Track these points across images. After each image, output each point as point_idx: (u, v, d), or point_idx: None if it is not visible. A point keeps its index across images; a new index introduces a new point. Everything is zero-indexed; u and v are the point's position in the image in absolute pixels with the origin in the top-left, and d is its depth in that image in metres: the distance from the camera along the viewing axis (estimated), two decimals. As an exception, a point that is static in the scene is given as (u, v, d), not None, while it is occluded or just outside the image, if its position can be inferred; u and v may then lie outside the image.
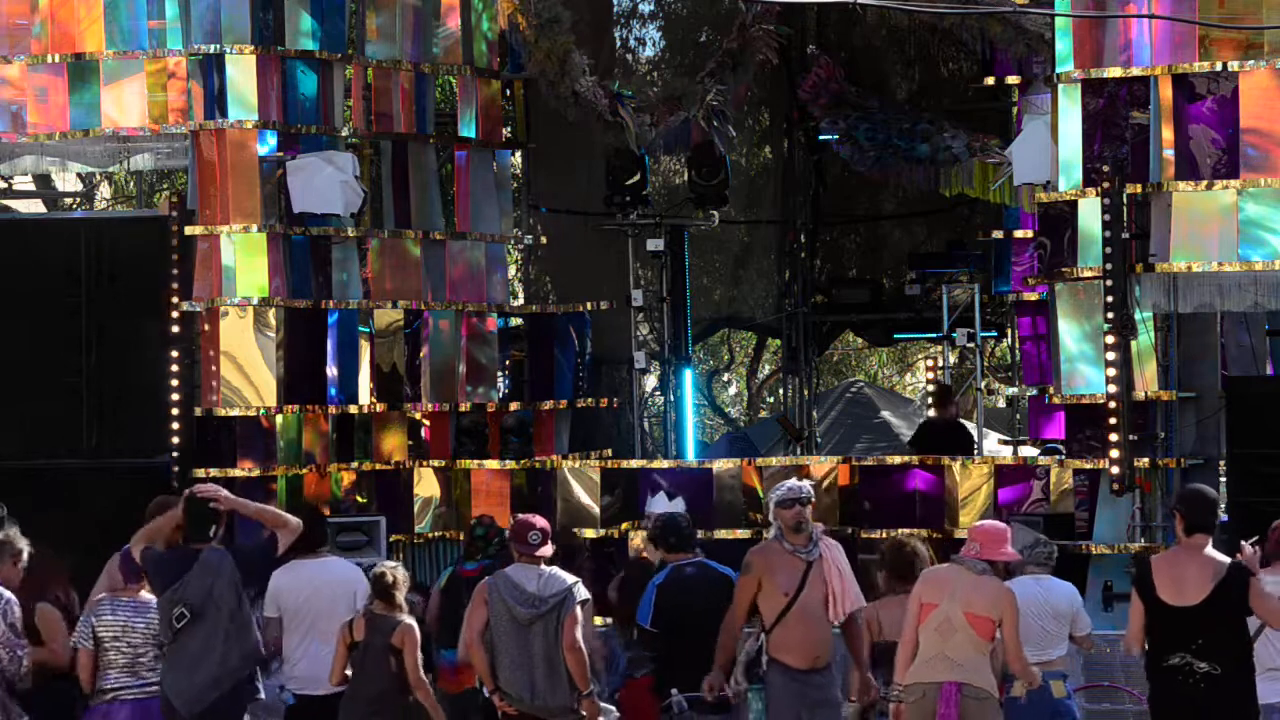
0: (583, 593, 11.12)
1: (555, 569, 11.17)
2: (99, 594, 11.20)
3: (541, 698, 10.95)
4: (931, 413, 20.41)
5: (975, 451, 18.68)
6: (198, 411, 15.31)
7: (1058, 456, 15.30)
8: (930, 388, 22.36)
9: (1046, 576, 11.46)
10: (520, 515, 11.44)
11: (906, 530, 14.69)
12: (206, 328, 15.45)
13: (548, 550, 11.15)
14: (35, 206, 27.44)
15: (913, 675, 10.32)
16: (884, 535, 15.21)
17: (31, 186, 26.68)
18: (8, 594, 10.77)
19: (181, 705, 10.52)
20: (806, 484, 11.15)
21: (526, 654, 10.92)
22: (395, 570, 11.33)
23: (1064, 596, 11.43)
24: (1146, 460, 14.21)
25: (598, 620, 13.09)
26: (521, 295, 19.63)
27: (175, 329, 15.26)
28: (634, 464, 16.64)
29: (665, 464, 16.76)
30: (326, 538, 12.57)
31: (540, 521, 11.19)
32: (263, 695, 11.21)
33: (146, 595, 10.99)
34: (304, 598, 12.05)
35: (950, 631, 10.28)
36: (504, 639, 10.98)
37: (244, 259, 15.55)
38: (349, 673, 11.26)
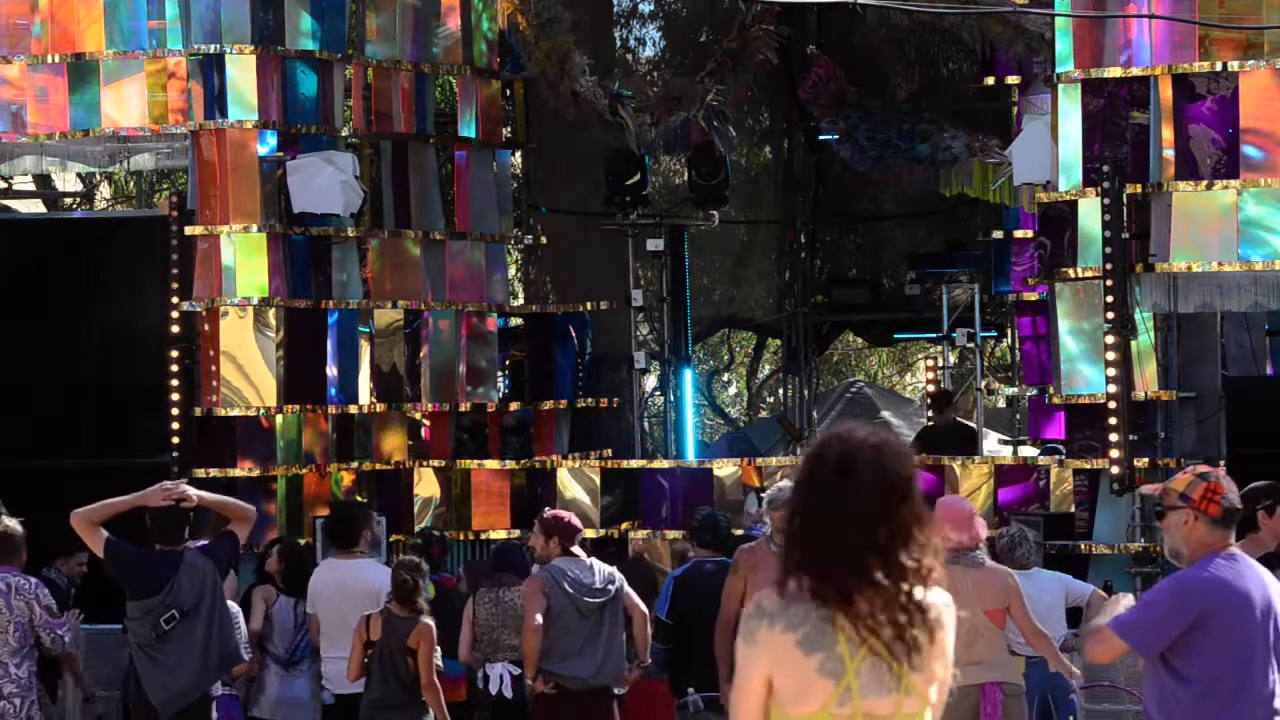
0: (620, 575, 11.67)
1: (594, 559, 11.54)
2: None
3: (605, 673, 11.34)
4: (929, 417, 20.31)
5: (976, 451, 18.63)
6: (198, 411, 15.31)
7: (1058, 456, 15.29)
8: (929, 388, 22.33)
9: (1034, 570, 11.56)
10: (556, 513, 11.63)
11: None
12: (206, 328, 15.45)
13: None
14: (35, 206, 27.42)
15: None
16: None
17: (31, 186, 26.65)
18: (33, 579, 10.66)
19: (161, 705, 10.35)
20: None
21: (595, 638, 11.31)
22: (415, 572, 11.23)
23: (1053, 579, 11.56)
24: (1146, 460, 14.21)
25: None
26: (521, 295, 19.65)
27: (175, 329, 15.25)
28: (634, 464, 16.63)
29: (665, 464, 16.74)
30: (359, 537, 12.49)
31: (578, 520, 11.62)
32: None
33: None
34: (339, 598, 12.06)
35: (976, 636, 10.35)
36: (570, 628, 11.27)
37: (244, 259, 15.54)
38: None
